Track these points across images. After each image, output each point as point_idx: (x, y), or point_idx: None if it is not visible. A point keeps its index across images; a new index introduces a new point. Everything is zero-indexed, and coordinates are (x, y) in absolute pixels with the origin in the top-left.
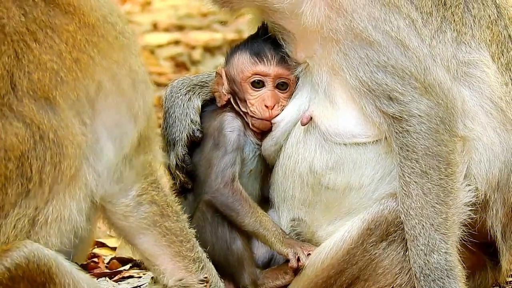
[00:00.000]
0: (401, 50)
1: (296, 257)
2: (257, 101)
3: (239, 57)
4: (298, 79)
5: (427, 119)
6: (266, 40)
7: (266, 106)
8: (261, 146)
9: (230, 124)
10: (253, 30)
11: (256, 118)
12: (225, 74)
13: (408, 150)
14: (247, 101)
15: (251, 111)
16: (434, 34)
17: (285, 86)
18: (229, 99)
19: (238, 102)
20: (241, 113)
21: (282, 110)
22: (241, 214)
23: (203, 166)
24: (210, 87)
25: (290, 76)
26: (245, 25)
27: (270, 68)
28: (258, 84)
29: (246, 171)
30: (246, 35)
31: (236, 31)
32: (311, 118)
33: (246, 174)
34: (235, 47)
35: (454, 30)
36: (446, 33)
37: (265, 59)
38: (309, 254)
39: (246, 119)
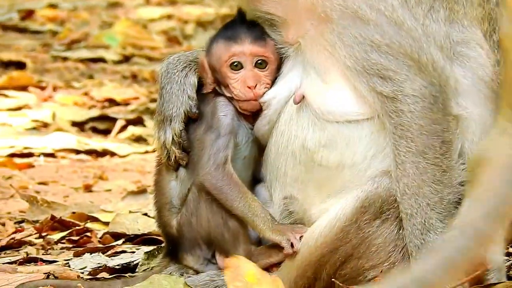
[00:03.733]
0: (395, 29)
1: (289, 243)
2: (239, 84)
3: (216, 45)
4: (281, 59)
5: (421, 98)
6: (242, 24)
7: (248, 87)
8: (252, 131)
9: (224, 109)
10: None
11: (242, 100)
12: (207, 64)
13: (403, 129)
14: (230, 86)
15: (235, 94)
16: (427, 13)
17: (263, 65)
18: (215, 88)
19: (223, 89)
20: (229, 99)
21: (267, 88)
22: (230, 198)
23: (196, 148)
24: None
25: (267, 53)
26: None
27: (244, 47)
28: (236, 66)
29: (240, 158)
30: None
31: (228, 6)
32: (303, 96)
33: (240, 160)
34: (212, 36)
35: (446, 8)
36: (439, 11)
37: (238, 40)
38: (301, 237)
39: (235, 104)
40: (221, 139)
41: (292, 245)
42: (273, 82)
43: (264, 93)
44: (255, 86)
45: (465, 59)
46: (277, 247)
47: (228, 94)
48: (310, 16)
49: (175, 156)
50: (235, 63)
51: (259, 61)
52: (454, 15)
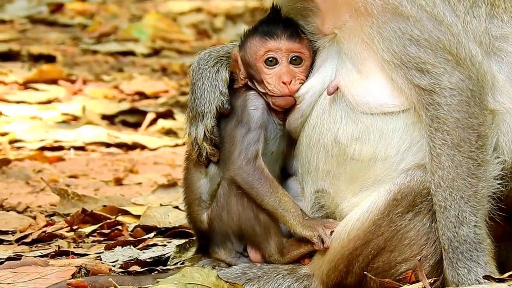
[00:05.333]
0: (434, 24)
1: (320, 239)
2: (274, 79)
3: (251, 40)
4: (315, 53)
5: (458, 92)
6: (277, 20)
7: (284, 83)
8: (283, 126)
9: (254, 102)
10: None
11: (277, 96)
12: (240, 59)
13: (439, 122)
14: (264, 81)
15: (269, 90)
16: (469, 9)
17: (298, 61)
18: (247, 83)
19: (256, 85)
20: (261, 94)
21: (301, 84)
22: (260, 193)
23: (227, 143)
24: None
25: (303, 50)
26: None
27: (280, 43)
28: (271, 62)
29: (268, 153)
30: (268, 3)
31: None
32: (338, 88)
33: (268, 155)
34: (247, 32)
35: (488, 3)
36: (481, 7)
37: (275, 36)
38: (332, 232)
39: (267, 100)
40: (251, 133)
41: (322, 241)
42: (306, 78)
43: (299, 88)
44: (290, 81)
45: (503, 54)
46: (307, 239)
47: (261, 90)
48: (349, 9)
49: (207, 152)
50: (271, 59)
51: (294, 57)
52: (495, 10)
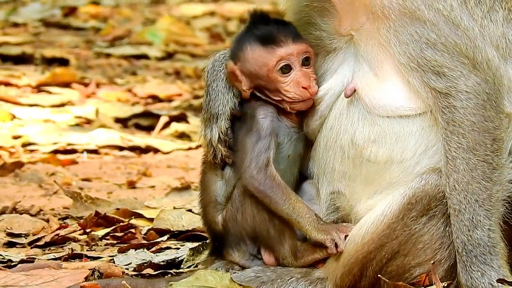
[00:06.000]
0: (451, 28)
1: (334, 243)
2: (292, 86)
3: (252, 51)
4: (328, 52)
5: (474, 95)
6: (266, 23)
7: (304, 87)
8: (297, 129)
9: (262, 110)
10: (287, 1)
11: (297, 101)
12: (241, 71)
13: (454, 125)
14: (281, 90)
15: (289, 97)
16: (486, 13)
17: (308, 61)
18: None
19: (268, 94)
20: (272, 102)
21: (317, 84)
22: (273, 201)
23: (239, 150)
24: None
25: (309, 48)
26: None
27: (290, 48)
28: (286, 70)
29: (284, 157)
30: (281, 6)
31: (271, 3)
32: (355, 90)
33: (284, 159)
34: (240, 41)
35: (505, 8)
36: (498, 12)
37: (281, 42)
38: (346, 236)
39: (281, 106)
40: (261, 142)
41: (336, 245)
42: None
43: (317, 89)
44: (310, 84)
45: None
46: (322, 244)
47: (274, 98)
48: (366, 12)
49: (222, 154)
50: (285, 67)
51: (304, 58)
52: None
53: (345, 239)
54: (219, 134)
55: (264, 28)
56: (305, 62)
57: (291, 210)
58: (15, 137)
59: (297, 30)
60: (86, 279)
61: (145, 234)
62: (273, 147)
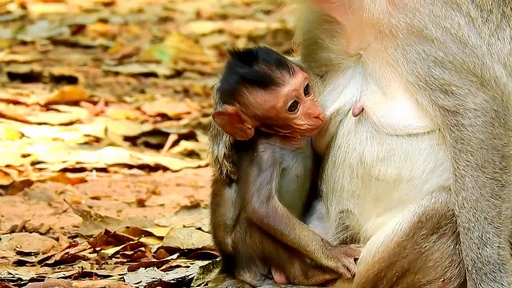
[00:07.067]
0: (459, 46)
1: (346, 268)
2: (303, 119)
3: (253, 96)
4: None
5: (482, 112)
6: (251, 62)
7: (316, 117)
8: (301, 148)
9: (262, 144)
10: (296, 21)
11: (311, 129)
12: (244, 114)
13: (463, 143)
14: (292, 125)
15: (302, 129)
16: (494, 32)
17: (309, 88)
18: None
19: (277, 129)
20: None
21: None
22: (278, 232)
23: (242, 180)
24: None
25: (305, 74)
26: (289, 14)
27: (291, 83)
28: (294, 106)
29: (292, 178)
30: (290, 24)
31: (279, 21)
32: (363, 109)
33: (293, 181)
34: (231, 86)
35: None
36: (505, 30)
37: (279, 80)
38: (356, 259)
39: (290, 136)
40: (263, 174)
41: (348, 269)
42: None
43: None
44: (320, 111)
45: None
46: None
47: (283, 131)
48: (374, 31)
49: (227, 170)
50: (293, 104)
51: (305, 88)
52: None
53: (355, 262)
54: (224, 150)
55: (253, 69)
56: (307, 90)
57: (297, 240)
58: (24, 156)
59: (282, 58)
60: None
61: (155, 253)
62: (276, 178)
